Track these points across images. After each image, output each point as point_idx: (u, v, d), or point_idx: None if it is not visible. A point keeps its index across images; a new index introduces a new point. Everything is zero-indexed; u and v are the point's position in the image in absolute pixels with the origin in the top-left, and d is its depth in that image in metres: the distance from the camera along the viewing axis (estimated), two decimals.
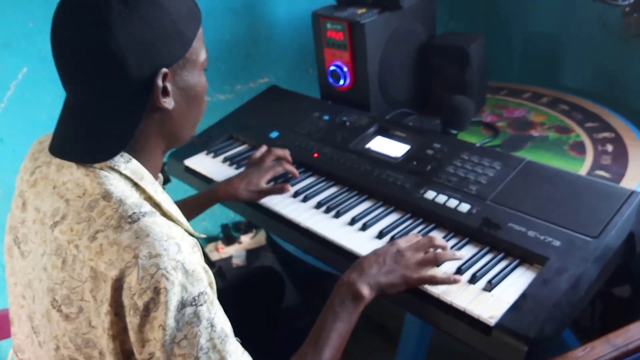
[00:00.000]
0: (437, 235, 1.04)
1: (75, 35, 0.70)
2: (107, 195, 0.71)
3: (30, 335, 0.80)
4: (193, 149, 1.48)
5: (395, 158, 1.24)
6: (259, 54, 1.99)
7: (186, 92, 0.78)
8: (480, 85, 1.56)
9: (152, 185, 0.76)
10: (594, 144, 1.37)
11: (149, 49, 0.71)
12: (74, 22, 0.71)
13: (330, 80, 1.54)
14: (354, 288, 0.85)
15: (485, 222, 1.01)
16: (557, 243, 0.92)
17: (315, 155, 1.33)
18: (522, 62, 2.03)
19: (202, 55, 0.79)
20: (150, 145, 0.78)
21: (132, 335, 0.66)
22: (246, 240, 2.19)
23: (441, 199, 1.09)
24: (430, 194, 1.11)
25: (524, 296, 0.86)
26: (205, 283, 0.69)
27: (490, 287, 0.89)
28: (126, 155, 0.75)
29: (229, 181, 1.23)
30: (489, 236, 0.99)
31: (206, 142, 1.50)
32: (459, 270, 0.93)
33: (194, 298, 0.66)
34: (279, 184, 1.22)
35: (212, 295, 0.69)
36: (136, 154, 0.76)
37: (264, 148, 1.31)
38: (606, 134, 1.40)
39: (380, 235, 1.06)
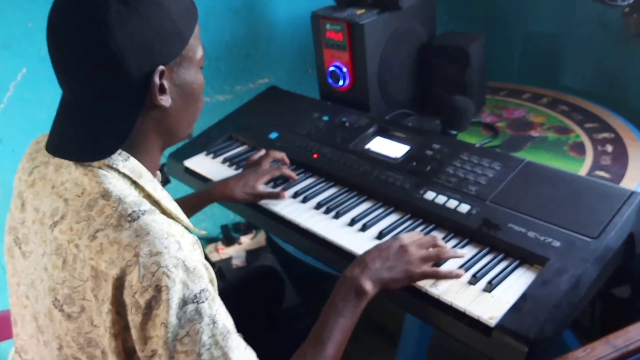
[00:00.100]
0: (437, 236, 1.04)
1: (72, 34, 0.70)
2: (106, 194, 0.71)
3: (36, 334, 0.80)
4: (193, 149, 1.48)
5: (394, 159, 1.24)
6: (259, 55, 1.99)
7: (183, 90, 0.78)
8: (480, 85, 1.56)
9: (151, 182, 0.76)
10: (594, 144, 1.37)
11: (147, 47, 0.71)
12: (71, 20, 0.70)
13: (330, 80, 1.54)
14: (356, 283, 0.85)
15: (485, 223, 1.01)
16: (557, 244, 0.92)
17: (315, 156, 1.33)
18: (522, 63, 2.03)
19: (199, 53, 0.79)
20: (148, 143, 0.78)
21: (134, 333, 0.66)
22: (246, 241, 2.19)
23: (441, 199, 1.08)
24: (430, 195, 1.10)
25: (524, 297, 0.86)
26: (206, 280, 0.69)
27: (490, 287, 0.89)
28: (124, 154, 0.75)
29: (225, 182, 1.23)
30: (489, 237, 0.99)
31: (206, 143, 1.50)
32: None
33: (195, 295, 0.66)
34: (275, 190, 1.22)
35: (213, 292, 0.70)
36: (134, 152, 0.76)
37: (263, 151, 1.31)
38: (606, 135, 1.40)
39: (380, 235, 1.06)
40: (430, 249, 0.91)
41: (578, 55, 1.80)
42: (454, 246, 1.00)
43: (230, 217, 2.19)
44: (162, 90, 0.74)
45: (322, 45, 1.51)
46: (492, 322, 0.83)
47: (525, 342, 0.79)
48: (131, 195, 0.72)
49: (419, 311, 0.93)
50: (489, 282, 0.89)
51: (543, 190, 1.04)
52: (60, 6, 0.72)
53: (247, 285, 1.34)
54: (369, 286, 0.85)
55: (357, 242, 1.06)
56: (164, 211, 0.76)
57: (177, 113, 0.78)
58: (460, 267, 0.94)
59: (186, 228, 0.74)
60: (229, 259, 2.11)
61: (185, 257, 0.67)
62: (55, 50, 0.73)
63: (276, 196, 1.21)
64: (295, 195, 1.22)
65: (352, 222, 1.11)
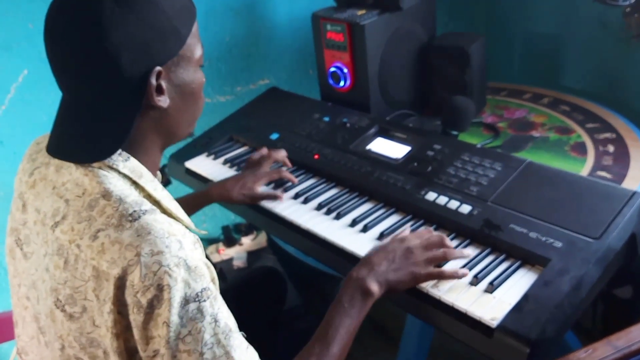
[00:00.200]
0: (444, 236, 1.03)
1: (68, 35, 0.70)
2: (106, 194, 0.71)
3: (37, 335, 0.80)
4: (193, 150, 1.48)
5: (395, 159, 1.24)
6: (259, 55, 1.99)
7: (182, 89, 0.77)
8: (481, 86, 1.56)
9: (151, 182, 0.76)
10: (595, 144, 1.37)
11: (143, 47, 0.70)
12: (66, 21, 0.71)
13: (331, 81, 1.54)
14: (363, 284, 0.85)
15: (487, 224, 1.00)
16: (558, 244, 0.92)
17: (316, 156, 1.33)
18: (523, 63, 2.03)
19: (198, 52, 0.78)
20: (147, 143, 0.78)
21: (136, 333, 0.66)
22: (247, 242, 2.19)
23: (442, 200, 1.08)
24: (431, 195, 1.10)
25: (525, 297, 0.85)
26: (207, 279, 0.69)
27: (491, 288, 0.89)
28: (124, 154, 0.75)
29: (223, 182, 1.23)
30: (491, 237, 0.99)
31: (206, 144, 1.50)
32: None
33: (197, 294, 0.66)
34: (273, 192, 1.22)
35: (215, 290, 0.70)
36: (134, 152, 0.76)
37: (264, 150, 1.30)
38: (607, 135, 1.40)
39: (381, 236, 1.06)
40: (436, 250, 0.91)
41: (579, 56, 1.80)
42: (456, 247, 1.00)
43: (231, 218, 2.19)
44: (159, 90, 0.74)
45: (322, 46, 1.51)
46: (494, 323, 0.82)
47: (526, 343, 0.79)
48: (132, 195, 0.72)
49: (420, 312, 0.93)
50: (491, 283, 0.89)
51: (544, 190, 1.04)
52: (56, 7, 0.72)
53: (248, 286, 1.34)
54: (375, 287, 0.85)
55: (358, 243, 1.05)
56: (165, 211, 0.75)
57: (176, 113, 0.78)
58: (462, 267, 0.93)
59: (187, 227, 0.74)
60: (230, 260, 2.11)
61: (186, 256, 0.67)
62: (52, 52, 0.73)
63: (274, 198, 1.21)
64: (296, 196, 1.22)
65: (353, 223, 1.11)
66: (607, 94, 1.69)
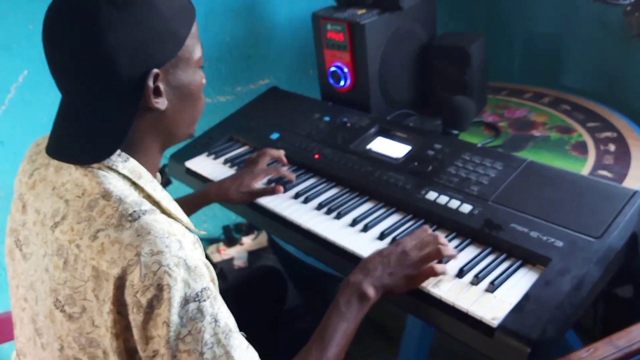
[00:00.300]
0: (439, 235, 1.03)
1: (65, 37, 0.71)
2: (106, 195, 0.71)
3: (33, 337, 0.80)
4: (194, 150, 1.48)
5: (396, 159, 1.24)
6: (260, 55, 1.99)
7: (180, 91, 0.77)
8: (481, 85, 1.56)
9: (151, 183, 0.76)
10: (596, 143, 1.36)
11: (140, 50, 0.70)
12: (64, 23, 0.71)
13: (331, 81, 1.53)
14: (359, 288, 0.85)
15: (487, 223, 1.00)
16: (559, 244, 0.92)
17: (316, 156, 1.33)
18: (523, 62, 2.02)
19: (197, 53, 0.78)
20: (146, 144, 0.78)
21: (136, 333, 0.66)
22: (248, 241, 2.19)
23: (443, 199, 1.08)
24: (431, 195, 1.10)
25: (526, 297, 0.85)
26: (207, 279, 0.69)
27: (492, 288, 0.88)
28: (123, 155, 0.75)
29: (221, 182, 1.23)
30: (491, 237, 0.98)
31: (207, 144, 1.50)
32: (461, 272, 0.93)
33: (197, 294, 0.66)
34: (270, 186, 1.22)
35: (214, 290, 0.70)
36: (133, 153, 0.76)
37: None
38: (608, 134, 1.40)
39: (382, 236, 1.06)
40: (430, 249, 0.90)
41: (579, 55, 1.80)
42: (456, 246, 1.00)
43: (232, 217, 2.19)
44: (157, 92, 0.74)
45: (323, 46, 1.51)
46: (495, 323, 0.82)
47: (527, 342, 0.78)
48: (131, 196, 0.72)
49: (421, 312, 0.93)
50: (492, 283, 0.89)
51: (545, 190, 1.03)
52: (54, 9, 0.72)
53: (249, 286, 1.34)
54: (371, 292, 0.85)
55: (359, 242, 1.05)
56: (164, 211, 0.75)
57: (175, 114, 0.78)
58: (463, 267, 0.93)
59: (186, 228, 0.74)
60: (230, 260, 2.11)
61: (186, 256, 0.67)
62: (50, 54, 0.73)
63: (272, 192, 1.21)
64: (296, 196, 1.22)
65: (354, 223, 1.11)
66: (607, 93, 1.69)
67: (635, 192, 0.97)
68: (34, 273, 0.77)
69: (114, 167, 0.73)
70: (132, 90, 0.72)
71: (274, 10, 1.95)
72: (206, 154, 1.47)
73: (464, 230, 1.03)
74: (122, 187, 0.73)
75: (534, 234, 0.95)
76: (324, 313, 0.85)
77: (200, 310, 0.66)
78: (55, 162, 0.78)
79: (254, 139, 1.47)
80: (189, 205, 1.21)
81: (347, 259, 1.04)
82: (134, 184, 0.75)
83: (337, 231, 1.10)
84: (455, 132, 1.34)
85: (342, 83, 1.50)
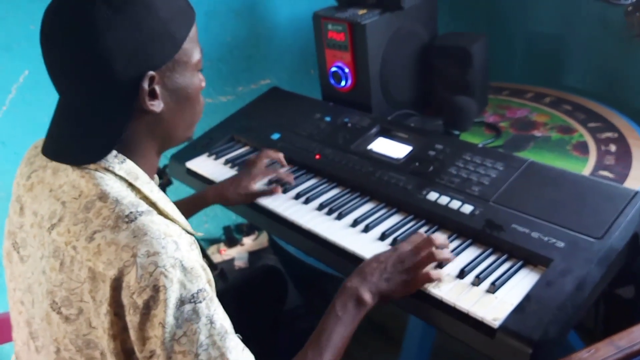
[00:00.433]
0: (440, 237, 1.03)
1: (61, 38, 0.71)
2: (103, 196, 0.71)
3: (27, 341, 0.80)
4: (195, 151, 1.48)
5: (397, 159, 1.24)
6: (260, 56, 1.99)
7: (177, 94, 0.77)
8: (483, 85, 1.56)
9: (148, 185, 0.76)
10: (597, 144, 1.36)
11: (135, 52, 0.70)
12: (61, 24, 0.71)
13: (332, 81, 1.53)
14: (356, 294, 0.85)
15: (489, 224, 1.00)
16: (561, 244, 0.92)
17: (317, 156, 1.32)
18: (524, 62, 2.02)
19: (195, 56, 0.78)
20: (143, 146, 0.77)
21: (133, 334, 0.66)
22: (248, 242, 2.19)
23: (444, 200, 1.08)
24: (432, 195, 1.10)
25: (527, 298, 0.85)
26: (203, 280, 0.69)
27: (493, 288, 0.88)
28: (120, 156, 0.75)
29: (219, 184, 1.24)
30: (492, 237, 0.98)
31: (208, 144, 1.50)
32: (463, 272, 0.92)
33: (192, 295, 0.66)
34: (268, 187, 1.22)
35: (211, 292, 0.69)
36: (130, 155, 0.76)
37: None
38: (609, 134, 1.40)
39: (383, 237, 1.06)
40: (424, 253, 0.90)
41: (580, 55, 1.79)
42: (457, 247, 1.00)
43: (232, 218, 2.19)
44: (153, 95, 0.74)
45: (324, 46, 1.51)
46: (496, 324, 0.82)
47: (529, 343, 0.78)
48: (128, 197, 0.72)
49: (422, 313, 0.93)
50: (493, 283, 0.89)
51: (546, 190, 1.03)
52: (52, 11, 0.72)
53: (250, 286, 1.34)
54: (368, 297, 0.85)
55: (360, 243, 1.05)
56: (161, 213, 0.75)
57: (171, 117, 0.78)
58: (463, 268, 0.93)
59: (184, 229, 0.74)
60: (231, 260, 2.11)
61: (182, 257, 0.67)
62: (47, 55, 0.73)
63: (270, 193, 1.21)
64: (297, 196, 1.22)
65: (355, 223, 1.11)
66: (609, 93, 1.69)
67: (636, 193, 0.97)
68: (31, 275, 0.77)
69: (110, 168, 0.73)
70: (128, 92, 0.72)
71: (274, 10, 1.95)
72: (207, 154, 1.47)
73: (465, 230, 1.03)
74: (119, 188, 0.73)
75: (535, 234, 0.95)
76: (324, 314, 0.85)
77: (195, 311, 0.66)
78: (52, 164, 0.78)
79: (254, 139, 1.47)
80: (188, 207, 1.22)
81: (348, 259, 1.04)
82: (131, 186, 0.75)
83: (338, 232, 1.10)
84: (457, 132, 1.34)
85: (343, 83, 1.50)
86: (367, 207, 1.16)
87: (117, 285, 0.65)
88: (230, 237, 2.17)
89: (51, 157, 0.76)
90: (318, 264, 1.22)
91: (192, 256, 0.69)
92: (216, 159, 1.44)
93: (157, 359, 0.65)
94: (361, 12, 1.45)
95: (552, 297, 0.84)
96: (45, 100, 1.63)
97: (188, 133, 0.84)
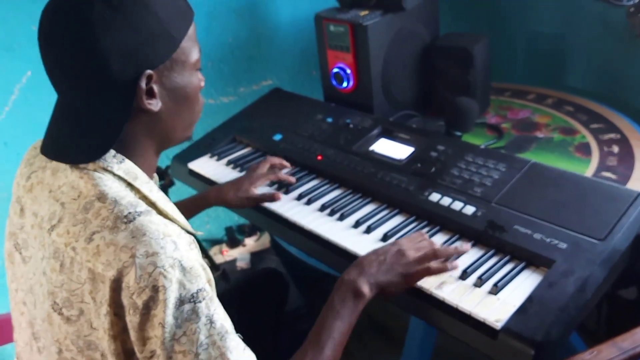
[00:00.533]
0: (442, 238, 1.03)
1: (59, 37, 0.71)
2: (102, 197, 0.71)
3: (30, 342, 0.80)
4: (197, 151, 1.48)
5: (399, 160, 1.24)
6: (262, 57, 1.99)
7: (175, 94, 0.77)
8: (484, 86, 1.56)
9: (147, 184, 0.76)
10: (600, 145, 1.36)
11: (133, 51, 0.70)
12: (59, 24, 0.71)
13: (334, 82, 1.53)
14: (354, 286, 0.85)
15: (491, 225, 1.00)
16: (563, 245, 0.91)
17: (319, 157, 1.32)
18: (526, 63, 2.02)
19: (194, 56, 0.78)
20: (141, 146, 0.77)
21: (133, 334, 0.66)
22: (250, 243, 2.19)
23: (446, 201, 1.08)
24: (434, 196, 1.10)
25: (530, 299, 0.85)
26: (203, 280, 0.69)
27: (496, 290, 0.88)
28: (119, 156, 0.75)
29: (220, 187, 1.24)
30: (495, 239, 0.98)
31: (210, 145, 1.50)
32: (465, 273, 0.92)
33: (192, 295, 0.66)
34: (269, 192, 1.22)
35: (211, 291, 0.69)
36: (129, 155, 0.76)
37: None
38: (612, 135, 1.39)
39: (385, 237, 1.06)
40: (425, 250, 0.90)
41: (582, 56, 1.79)
42: None
43: (234, 219, 2.19)
44: (151, 94, 0.74)
45: (325, 47, 1.51)
46: (498, 325, 0.82)
47: (531, 344, 0.78)
48: (127, 197, 0.72)
49: (424, 313, 0.93)
50: (495, 285, 0.89)
51: (549, 191, 1.03)
52: (50, 11, 0.72)
53: (251, 287, 1.34)
54: (365, 289, 0.85)
55: (362, 244, 1.05)
56: (161, 212, 0.75)
57: (169, 117, 0.78)
58: (466, 269, 0.93)
59: (183, 228, 0.74)
60: (233, 261, 2.11)
61: (181, 257, 0.67)
62: (45, 55, 0.73)
63: (271, 198, 1.21)
64: (299, 197, 1.22)
65: (357, 224, 1.11)
66: (611, 94, 1.69)
67: (639, 194, 0.97)
68: (32, 276, 0.77)
69: (109, 168, 0.73)
70: (126, 91, 0.72)
71: (276, 11, 1.95)
72: (209, 155, 1.47)
73: (467, 231, 1.02)
74: (118, 188, 0.73)
75: (537, 235, 0.95)
76: None
77: (195, 311, 0.66)
78: (52, 165, 0.78)
79: (257, 140, 1.47)
80: (189, 207, 1.22)
81: (349, 260, 1.03)
82: (130, 185, 0.75)
83: (340, 232, 1.10)
84: (458, 133, 1.33)
85: (344, 84, 1.50)
86: (369, 208, 1.16)
87: (116, 286, 0.66)
88: (232, 238, 2.17)
89: (50, 157, 0.76)
90: (320, 264, 1.22)
91: (192, 256, 0.69)
92: (218, 159, 1.44)
93: (158, 359, 0.65)
94: (363, 13, 1.45)
95: (555, 299, 0.83)
96: (47, 101, 1.63)
97: (187, 133, 0.84)
